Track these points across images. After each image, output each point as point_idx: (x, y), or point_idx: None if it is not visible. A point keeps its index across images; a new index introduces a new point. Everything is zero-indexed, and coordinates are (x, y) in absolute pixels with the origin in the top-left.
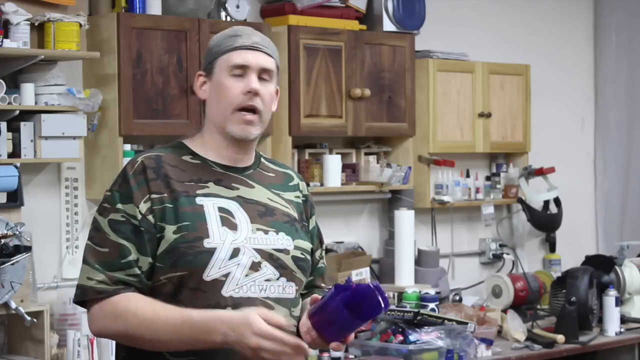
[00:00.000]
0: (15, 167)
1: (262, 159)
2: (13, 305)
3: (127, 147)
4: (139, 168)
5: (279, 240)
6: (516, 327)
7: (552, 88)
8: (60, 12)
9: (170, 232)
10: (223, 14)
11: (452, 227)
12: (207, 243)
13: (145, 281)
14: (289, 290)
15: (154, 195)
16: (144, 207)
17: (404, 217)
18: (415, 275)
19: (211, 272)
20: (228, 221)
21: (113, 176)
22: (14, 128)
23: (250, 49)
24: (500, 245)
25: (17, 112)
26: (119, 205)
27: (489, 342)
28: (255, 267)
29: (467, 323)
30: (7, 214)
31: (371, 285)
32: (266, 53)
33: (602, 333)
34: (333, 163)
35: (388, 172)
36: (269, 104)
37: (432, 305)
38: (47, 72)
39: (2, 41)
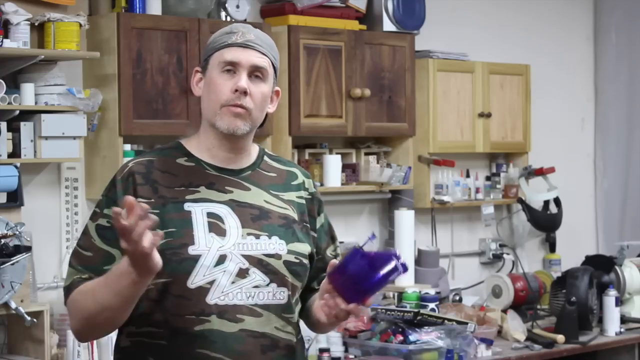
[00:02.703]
0: (15, 167)
1: (266, 158)
2: (13, 305)
3: (127, 147)
4: (127, 172)
5: (270, 245)
6: (516, 327)
7: (552, 88)
8: (60, 12)
9: None
10: (223, 14)
11: (452, 227)
12: (192, 250)
13: None
14: (280, 295)
15: (139, 199)
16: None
17: (404, 217)
18: (415, 275)
19: (195, 280)
20: (217, 227)
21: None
22: (14, 128)
23: (242, 46)
24: (500, 245)
25: (17, 112)
26: (105, 211)
27: (489, 342)
28: (242, 273)
29: (467, 323)
30: (7, 214)
31: (392, 253)
32: (259, 51)
33: (602, 333)
34: (333, 163)
35: (388, 172)
36: (260, 103)
37: (432, 305)
38: (47, 72)
39: (2, 41)
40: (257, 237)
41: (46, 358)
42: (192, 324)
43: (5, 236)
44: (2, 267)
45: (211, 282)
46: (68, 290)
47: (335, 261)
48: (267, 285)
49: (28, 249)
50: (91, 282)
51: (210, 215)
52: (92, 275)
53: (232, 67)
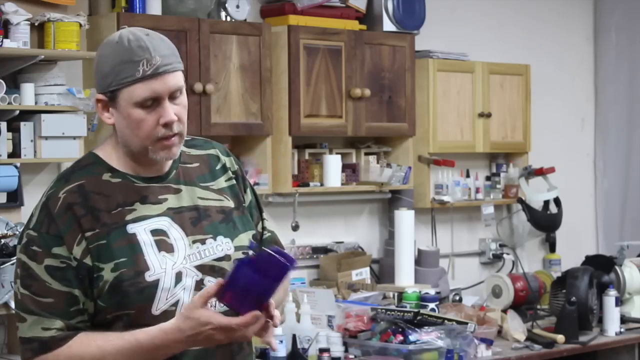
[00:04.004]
0: (15, 167)
1: (183, 148)
2: (13, 305)
3: None
4: (64, 206)
5: (218, 247)
6: (516, 327)
7: (552, 88)
8: (60, 12)
9: (108, 272)
10: (223, 14)
11: (452, 227)
12: (149, 276)
13: (90, 324)
14: None
15: (88, 234)
16: (78, 250)
17: (404, 217)
18: (415, 275)
19: (159, 305)
20: (164, 244)
21: None
22: (14, 128)
23: (154, 76)
24: (500, 245)
25: (17, 112)
26: (55, 250)
27: (489, 342)
28: (198, 286)
29: (467, 323)
30: (7, 214)
31: (270, 251)
32: (171, 71)
33: (602, 333)
34: (333, 163)
35: (388, 172)
36: (185, 114)
37: (432, 305)
38: (47, 72)
39: (2, 41)
40: (203, 242)
41: None
42: None
43: (5, 236)
44: (2, 267)
45: (175, 304)
46: (45, 346)
47: (220, 280)
48: None
49: None
50: (92, 346)
51: (154, 232)
52: (66, 323)
53: (151, 101)
